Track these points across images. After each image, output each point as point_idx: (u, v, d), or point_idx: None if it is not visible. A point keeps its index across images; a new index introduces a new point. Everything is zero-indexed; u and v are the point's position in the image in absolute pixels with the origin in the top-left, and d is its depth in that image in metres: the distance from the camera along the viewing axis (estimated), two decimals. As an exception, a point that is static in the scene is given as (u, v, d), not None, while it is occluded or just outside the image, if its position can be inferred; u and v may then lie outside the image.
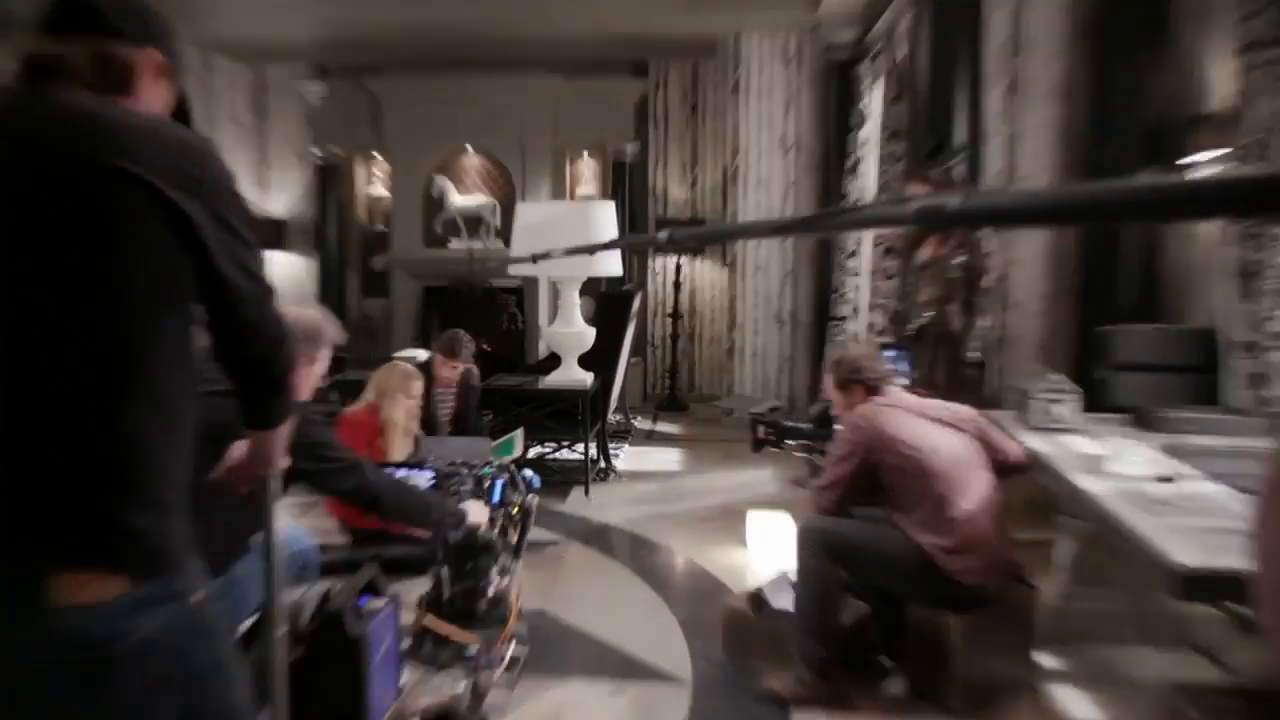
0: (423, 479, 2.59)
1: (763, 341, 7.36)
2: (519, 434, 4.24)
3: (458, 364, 4.54)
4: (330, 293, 8.40)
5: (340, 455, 2.18)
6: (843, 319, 6.45)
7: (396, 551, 2.96)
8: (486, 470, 2.72)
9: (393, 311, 8.29)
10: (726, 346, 7.79)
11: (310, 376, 2.22)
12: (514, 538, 2.65)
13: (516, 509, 2.67)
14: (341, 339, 2.40)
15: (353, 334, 8.02)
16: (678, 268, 8.24)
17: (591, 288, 6.61)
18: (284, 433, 1.31)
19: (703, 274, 8.70)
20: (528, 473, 2.85)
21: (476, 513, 2.47)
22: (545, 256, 2.04)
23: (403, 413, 3.55)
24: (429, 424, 4.26)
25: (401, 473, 2.58)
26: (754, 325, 7.37)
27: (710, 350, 8.78)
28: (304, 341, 2.14)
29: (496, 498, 2.63)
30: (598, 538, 4.37)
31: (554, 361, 5.44)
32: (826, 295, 6.85)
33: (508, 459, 3.44)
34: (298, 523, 3.19)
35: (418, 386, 3.64)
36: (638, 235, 7.34)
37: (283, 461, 1.35)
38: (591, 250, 1.64)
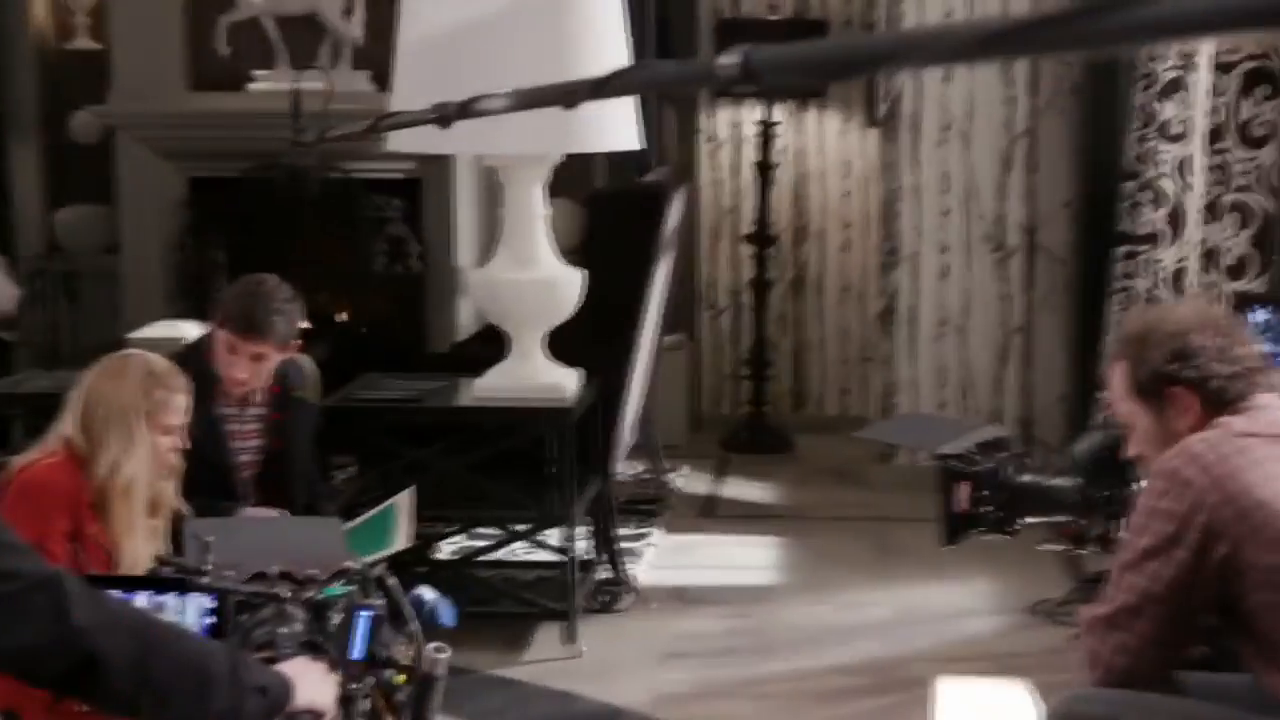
0: (191, 611, 2.61)
1: (961, 294, 7.34)
2: (404, 503, 4.24)
3: (268, 350, 4.57)
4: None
5: (12, 565, 2.19)
6: (1148, 240, 6.40)
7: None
8: (335, 590, 2.74)
9: (121, 238, 8.33)
10: (879, 307, 7.79)
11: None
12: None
13: (402, 676, 2.69)
14: (6, 301, 2.42)
15: (29, 290, 8.04)
16: (765, 132, 8.22)
17: (575, 180, 6.62)
18: None
19: (824, 146, 8.66)
20: (427, 593, 2.86)
21: (314, 685, 2.49)
22: (469, 112, 2.03)
23: (149, 462, 3.57)
24: (206, 485, 4.28)
25: (141, 600, 2.59)
26: (939, 258, 7.36)
27: (842, 314, 8.76)
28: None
29: (358, 650, 2.65)
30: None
31: (492, 347, 5.46)
32: (1109, 189, 6.81)
33: (380, 555, 3.43)
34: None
35: (178, 404, 3.65)
36: (673, 63, 7.33)
37: None
38: (571, 100, 1.62)
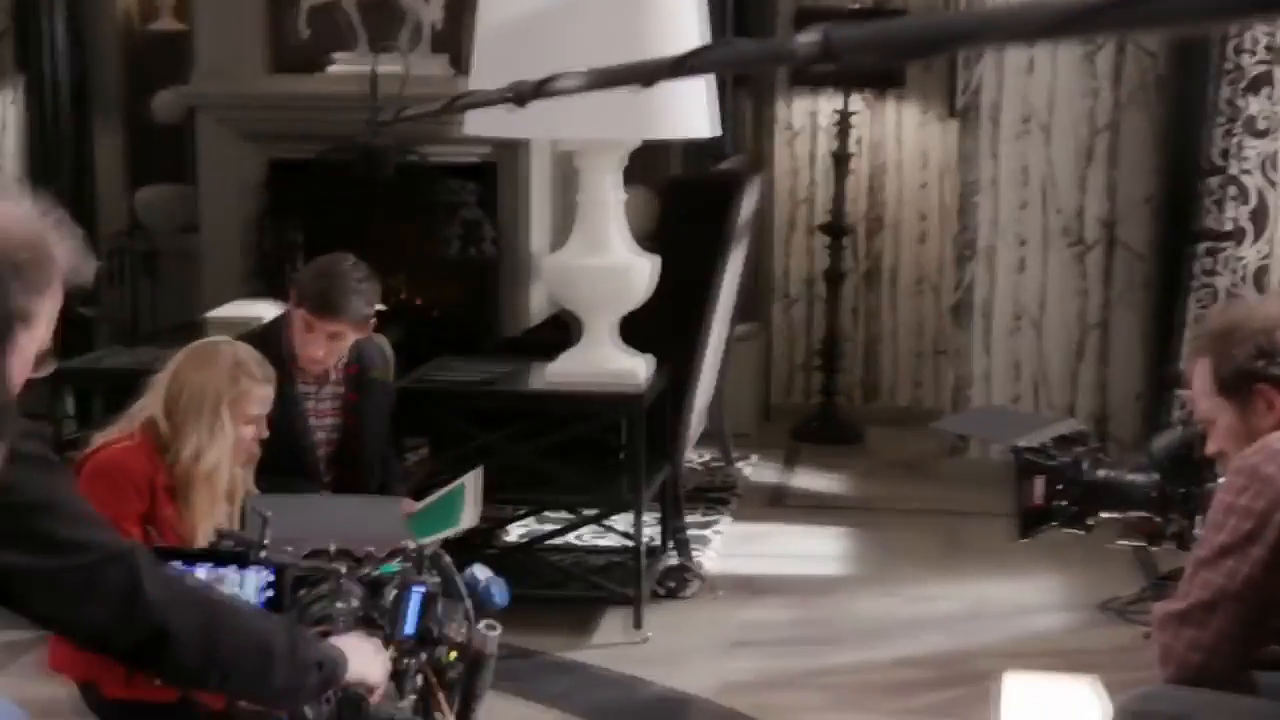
0: (249, 586, 2.62)
1: (1037, 288, 7.29)
2: (471, 483, 4.26)
3: (343, 329, 4.59)
4: (54, 170, 8.52)
5: (88, 537, 2.20)
6: (1229, 237, 6.33)
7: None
8: (390, 568, 2.74)
9: (201, 218, 8.40)
10: (953, 300, 7.74)
11: (19, 353, 2.25)
12: (447, 718, 2.68)
13: (452, 653, 2.69)
14: (84, 272, 2.42)
15: (110, 267, 8.14)
16: (843, 121, 8.19)
17: (649, 167, 6.61)
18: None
19: (901, 136, 8.61)
20: (480, 573, 2.87)
21: (366, 659, 2.50)
22: (542, 93, 2.02)
23: (231, 451, 3.59)
24: (281, 463, 4.30)
25: (202, 572, 2.61)
26: (1017, 251, 7.30)
27: (914, 306, 8.71)
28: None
29: (410, 626, 2.65)
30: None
31: (563, 333, 5.46)
32: (1190, 185, 6.74)
33: (444, 534, 3.44)
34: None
35: (263, 394, 3.67)
36: (749, 43, 7.33)
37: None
38: (647, 79, 1.61)
